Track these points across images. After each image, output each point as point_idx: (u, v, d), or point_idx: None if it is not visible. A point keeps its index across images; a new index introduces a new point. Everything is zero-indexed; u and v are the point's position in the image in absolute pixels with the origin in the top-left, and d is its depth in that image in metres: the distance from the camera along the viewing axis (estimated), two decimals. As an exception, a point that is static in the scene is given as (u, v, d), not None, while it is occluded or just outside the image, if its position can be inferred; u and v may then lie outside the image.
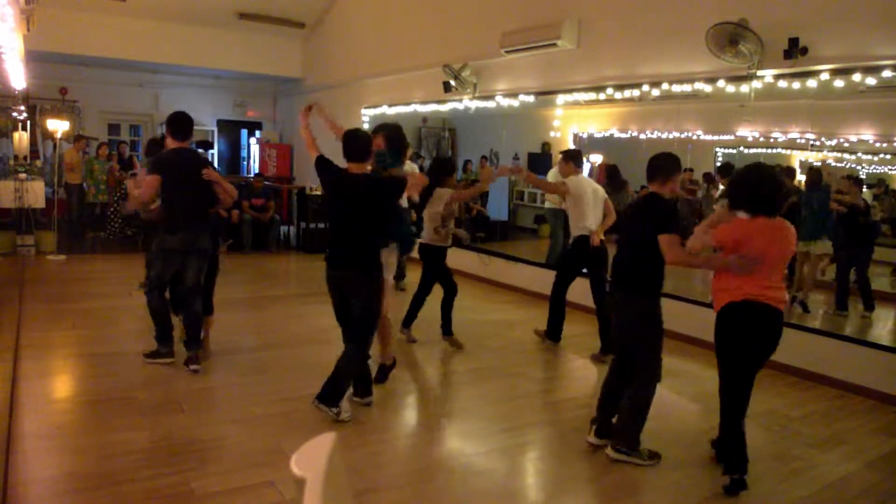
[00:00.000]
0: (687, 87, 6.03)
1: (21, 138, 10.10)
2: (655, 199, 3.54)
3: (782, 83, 5.37)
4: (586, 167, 9.00)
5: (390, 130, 4.49)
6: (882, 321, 6.32)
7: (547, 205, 8.58)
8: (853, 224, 6.29)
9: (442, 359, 5.45)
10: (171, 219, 4.62)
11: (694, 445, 3.86)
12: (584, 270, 5.62)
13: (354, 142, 3.95)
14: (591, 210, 5.38)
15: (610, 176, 8.33)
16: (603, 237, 5.43)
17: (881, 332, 6.06)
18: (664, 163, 3.61)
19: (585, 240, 5.36)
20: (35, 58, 9.54)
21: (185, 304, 4.74)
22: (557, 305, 5.72)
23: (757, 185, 3.26)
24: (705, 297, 5.85)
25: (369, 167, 4.06)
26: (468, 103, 8.72)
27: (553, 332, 5.75)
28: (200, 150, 14.53)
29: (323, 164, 4.04)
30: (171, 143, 4.69)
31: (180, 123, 4.69)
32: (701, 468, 3.57)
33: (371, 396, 4.21)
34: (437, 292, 5.67)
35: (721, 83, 5.74)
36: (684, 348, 5.90)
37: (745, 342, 3.29)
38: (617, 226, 5.07)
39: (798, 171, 7.01)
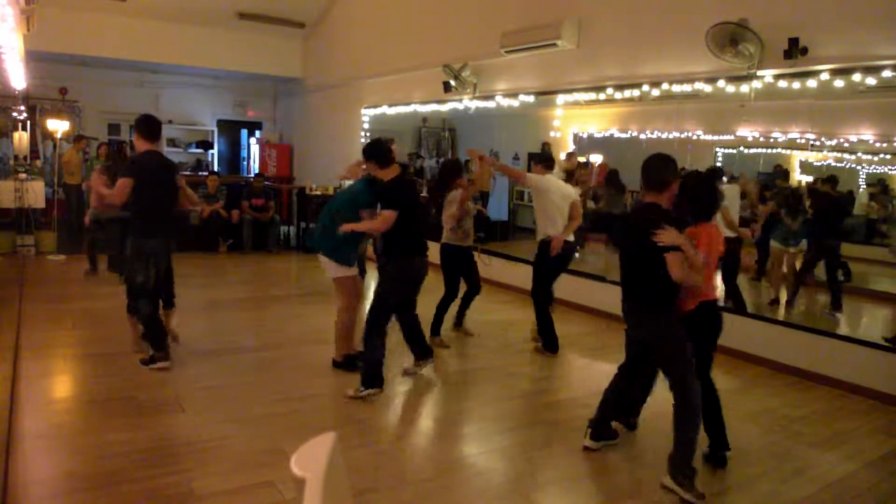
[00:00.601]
0: (687, 87, 6.03)
1: (21, 138, 10.10)
2: (653, 210, 3.29)
3: (782, 83, 5.37)
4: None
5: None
6: (883, 320, 6.31)
7: None
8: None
9: (442, 359, 5.45)
10: (149, 222, 4.60)
11: (694, 445, 3.86)
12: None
13: (385, 152, 4.42)
14: (556, 209, 5.36)
15: (609, 180, 8.33)
16: (571, 238, 5.47)
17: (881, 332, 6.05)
18: (659, 169, 3.34)
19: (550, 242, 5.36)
20: (35, 58, 9.55)
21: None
22: (544, 313, 5.59)
23: (696, 193, 3.45)
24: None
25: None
26: (468, 103, 8.72)
27: (549, 343, 5.62)
28: (200, 151, 14.60)
29: (395, 188, 4.37)
30: (143, 146, 4.67)
31: (152, 126, 4.70)
32: (701, 468, 3.57)
33: (381, 388, 4.36)
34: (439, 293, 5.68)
35: (721, 83, 5.74)
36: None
37: (704, 338, 3.50)
38: (610, 231, 5.05)
39: (798, 170, 7.02)
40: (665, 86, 6.18)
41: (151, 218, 4.61)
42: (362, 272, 8.10)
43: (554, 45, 7.07)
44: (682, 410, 3.25)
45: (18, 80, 7.80)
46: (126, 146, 10.76)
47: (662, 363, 3.47)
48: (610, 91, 6.79)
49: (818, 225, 6.32)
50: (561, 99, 7.62)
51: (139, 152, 4.69)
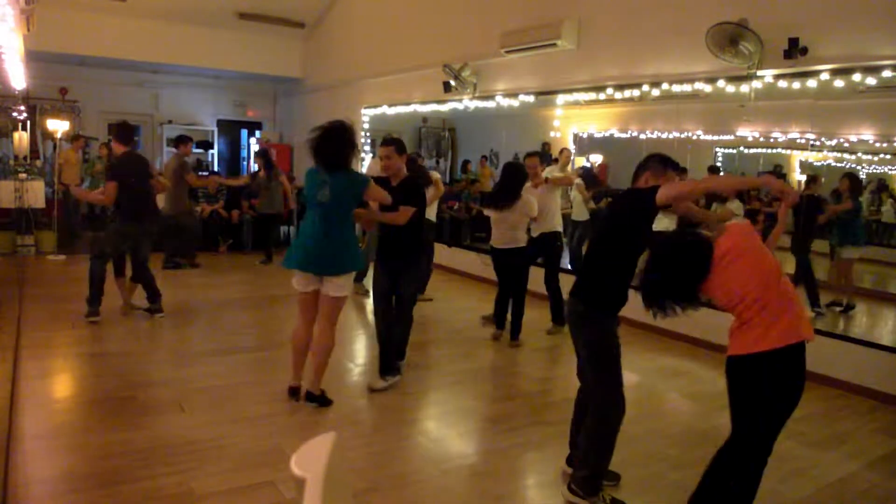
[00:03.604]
0: (687, 87, 6.03)
1: (21, 138, 10.09)
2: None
3: (782, 83, 5.37)
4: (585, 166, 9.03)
5: None
6: (884, 320, 6.32)
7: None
8: None
9: (442, 359, 5.45)
10: (131, 210, 5.69)
11: (694, 445, 3.86)
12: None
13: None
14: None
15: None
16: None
17: (882, 332, 6.05)
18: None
19: None
20: (35, 58, 9.53)
21: (140, 272, 5.91)
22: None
23: None
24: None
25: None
26: (468, 103, 8.72)
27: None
28: (200, 151, 14.60)
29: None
30: (120, 148, 5.79)
31: (128, 131, 5.94)
32: (701, 468, 3.56)
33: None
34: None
35: (721, 83, 5.74)
36: (686, 348, 5.91)
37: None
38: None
39: (798, 171, 7.01)
40: (665, 86, 6.18)
41: (133, 206, 5.67)
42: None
43: (554, 45, 7.06)
44: (591, 424, 3.09)
45: (18, 80, 7.79)
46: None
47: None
48: (610, 91, 6.78)
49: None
50: (561, 99, 7.61)
51: (117, 154, 5.79)
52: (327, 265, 3.96)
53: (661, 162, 3.08)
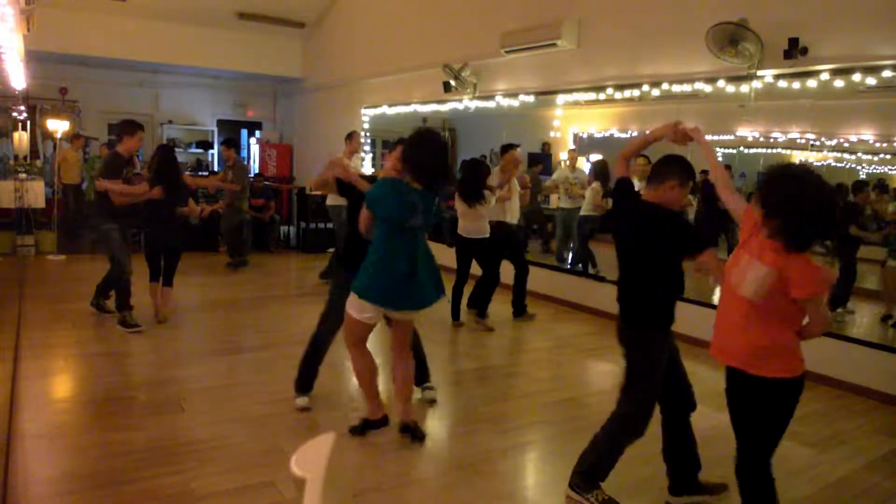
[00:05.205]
0: (687, 87, 6.03)
1: (21, 138, 10.09)
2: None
3: (782, 83, 5.37)
4: (587, 166, 9.05)
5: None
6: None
7: (561, 203, 8.57)
8: None
9: (442, 358, 5.45)
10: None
11: (694, 445, 3.85)
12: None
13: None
14: None
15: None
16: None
17: (884, 332, 6.04)
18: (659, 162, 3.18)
19: None
20: (35, 58, 9.53)
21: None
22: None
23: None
24: (707, 297, 5.84)
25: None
26: (468, 103, 8.72)
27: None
28: (200, 151, 14.58)
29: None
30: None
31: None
32: (701, 468, 3.56)
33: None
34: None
35: (721, 83, 5.74)
36: (685, 348, 5.90)
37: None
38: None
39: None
40: (665, 86, 6.18)
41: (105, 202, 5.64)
42: None
43: (554, 45, 7.06)
44: (606, 431, 3.12)
45: (18, 80, 7.80)
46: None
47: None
48: (610, 91, 6.78)
49: None
50: (561, 99, 7.62)
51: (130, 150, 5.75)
52: (427, 295, 3.53)
53: (687, 174, 3.23)
